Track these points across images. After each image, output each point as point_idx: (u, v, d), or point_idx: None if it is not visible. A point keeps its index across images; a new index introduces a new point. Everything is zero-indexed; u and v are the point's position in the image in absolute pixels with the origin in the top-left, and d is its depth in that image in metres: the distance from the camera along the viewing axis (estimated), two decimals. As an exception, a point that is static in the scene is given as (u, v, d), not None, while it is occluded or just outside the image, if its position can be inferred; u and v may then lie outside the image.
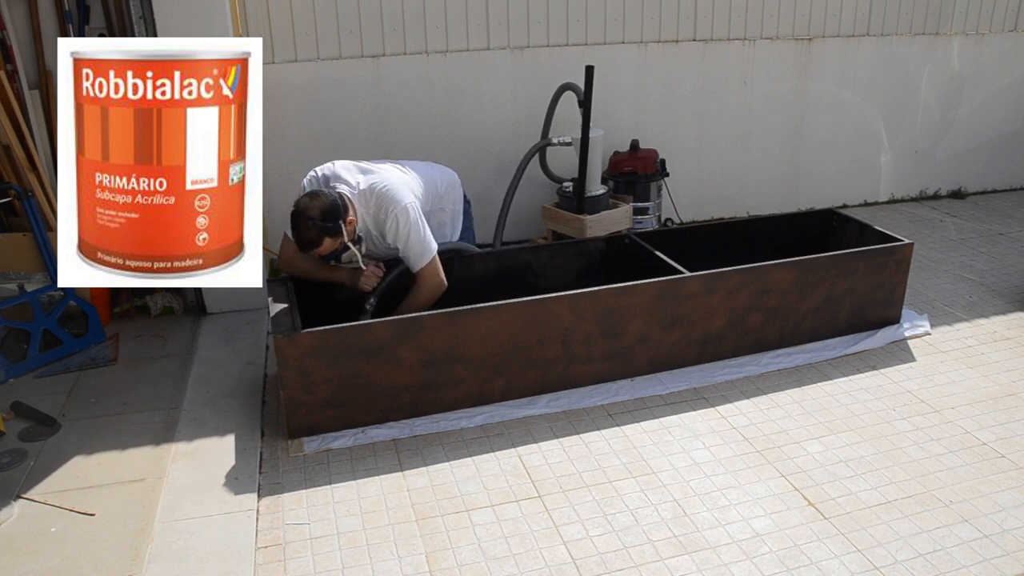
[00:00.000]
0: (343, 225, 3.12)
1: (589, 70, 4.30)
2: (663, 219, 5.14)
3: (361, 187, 3.25)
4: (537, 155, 4.61)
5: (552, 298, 3.14)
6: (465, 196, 3.77)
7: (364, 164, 3.39)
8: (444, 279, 3.32)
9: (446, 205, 3.62)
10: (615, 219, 4.60)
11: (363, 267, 3.28)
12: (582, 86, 4.37)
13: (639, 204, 4.76)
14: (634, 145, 4.83)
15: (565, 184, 4.56)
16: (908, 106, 5.77)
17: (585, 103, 4.26)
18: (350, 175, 3.30)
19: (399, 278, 3.33)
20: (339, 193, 3.18)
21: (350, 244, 3.21)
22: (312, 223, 3.06)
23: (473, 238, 3.85)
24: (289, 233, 3.21)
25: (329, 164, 3.36)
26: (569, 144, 4.47)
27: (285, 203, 4.56)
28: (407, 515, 2.60)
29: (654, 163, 4.81)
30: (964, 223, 5.49)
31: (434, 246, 3.28)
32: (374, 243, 3.38)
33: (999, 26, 5.85)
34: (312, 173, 3.37)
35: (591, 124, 4.29)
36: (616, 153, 4.87)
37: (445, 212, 3.63)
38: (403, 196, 3.21)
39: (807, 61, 5.39)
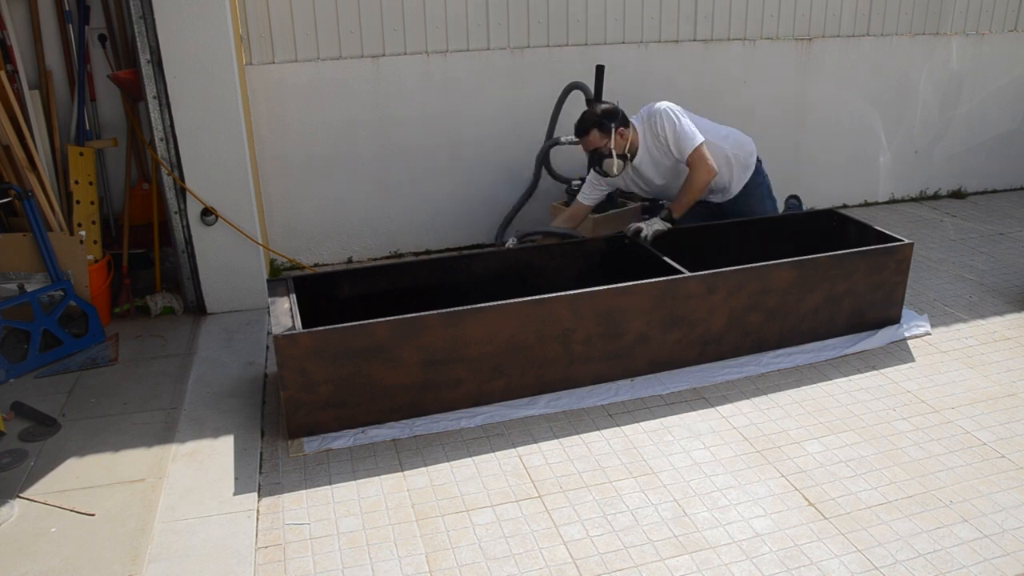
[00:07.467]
0: (614, 129, 3.73)
1: (599, 69, 4.30)
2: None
3: (644, 113, 3.89)
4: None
5: (552, 298, 3.14)
6: (759, 162, 4.20)
7: None
8: (713, 165, 3.77)
9: (725, 147, 4.03)
10: (624, 217, 4.59)
11: (613, 173, 3.82)
12: (587, 85, 4.37)
13: (647, 203, 4.75)
14: (643, 144, 4.84)
15: (575, 182, 4.56)
16: (908, 106, 5.77)
17: (595, 102, 4.26)
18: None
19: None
20: (627, 118, 3.83)
21: (613, 151, 3.75)
22: (590, 114, 3.78)
23: (773, 206, 4.30)
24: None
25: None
26: (578, 143, 4.46)
27: (286, 203, 4.62)
28: (407, 515, 2.61)
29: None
30: (964, 223, 5.49)
31: (699, 137, 3.76)
32: (655, 167, 3.94)
33: (999, 26, 5.86)
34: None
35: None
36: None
37: (723, 151, 4.01)
38: (666, 104, 3.83)
39: (807, 61, 5.39)
